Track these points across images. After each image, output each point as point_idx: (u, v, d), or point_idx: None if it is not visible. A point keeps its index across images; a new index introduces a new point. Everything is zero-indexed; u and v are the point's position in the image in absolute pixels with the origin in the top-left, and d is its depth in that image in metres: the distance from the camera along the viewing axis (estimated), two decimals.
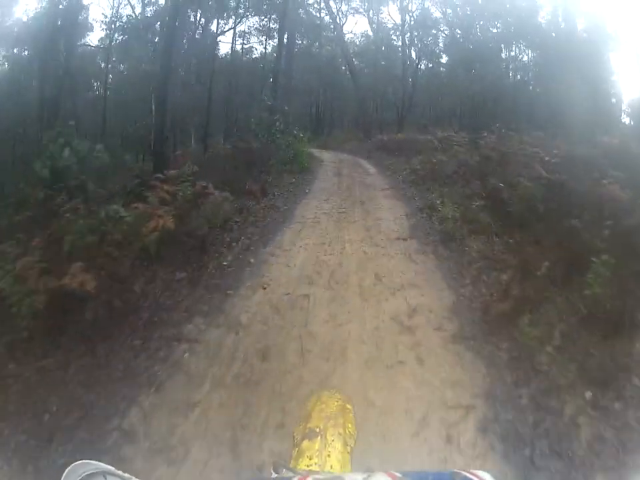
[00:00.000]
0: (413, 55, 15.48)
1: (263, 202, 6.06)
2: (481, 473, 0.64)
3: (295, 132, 10.02)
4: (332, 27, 15.66)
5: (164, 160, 7.89)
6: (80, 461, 0.59)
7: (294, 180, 7.87)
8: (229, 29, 13.54)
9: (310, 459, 0.83)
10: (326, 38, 16.11)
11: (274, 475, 0.74)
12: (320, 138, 14.79)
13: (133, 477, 0.60)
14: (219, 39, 13.43)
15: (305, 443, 0.87)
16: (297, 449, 0.88)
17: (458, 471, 0.64)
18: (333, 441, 0.88)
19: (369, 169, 9.66)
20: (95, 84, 12.68)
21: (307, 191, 7.16)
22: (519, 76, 13.37)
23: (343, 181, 8.06)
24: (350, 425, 0.97)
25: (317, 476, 0.69)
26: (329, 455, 0.85)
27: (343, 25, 15.77)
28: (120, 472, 0.60)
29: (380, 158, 10.60)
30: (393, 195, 6.70)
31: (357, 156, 11.66)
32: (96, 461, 0.60)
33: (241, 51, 14.52)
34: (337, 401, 1.07)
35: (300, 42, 15.24)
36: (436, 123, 12.89)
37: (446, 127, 11.61)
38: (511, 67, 13.33)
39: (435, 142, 9.17)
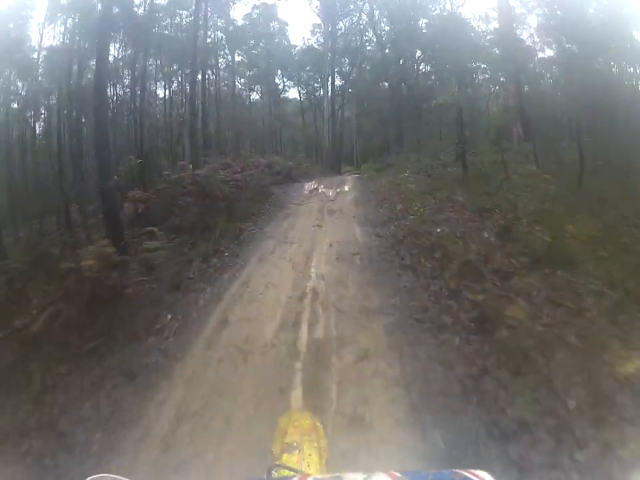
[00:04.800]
0: None
1: None
2: (481, 473, 0.63)
3: None
4: None
5: None
6: (98, 475, 0.66)
7: None
8: None
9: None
10: None
11: (274, 476, 0.85)
12: None
13: None
14: None
15: (285, 456, 0.99)
16: (276, 462, 0.97)
17: (458, 470, 0.64)
18: (310, 454, 1.00)
19: None
20: None
21: None
22: None
23: None
24: (322, 441, 1.10)
25: (316, 476, 0.78)
26: (308, 466, 0.97)
27: None
28: None
29: None
30: None
31: None
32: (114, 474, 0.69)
33: None
34: (308, 419, 1.23)
35: None
36: None
37: None
38: None
39: None
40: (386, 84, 16.72)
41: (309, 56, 17.17)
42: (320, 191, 9.45)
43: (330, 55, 16.38)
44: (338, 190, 9.31)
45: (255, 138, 15.89)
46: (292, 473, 0.81)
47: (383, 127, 16.47)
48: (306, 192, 9.53)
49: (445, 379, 2.49)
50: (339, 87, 17.35)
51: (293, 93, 18.87)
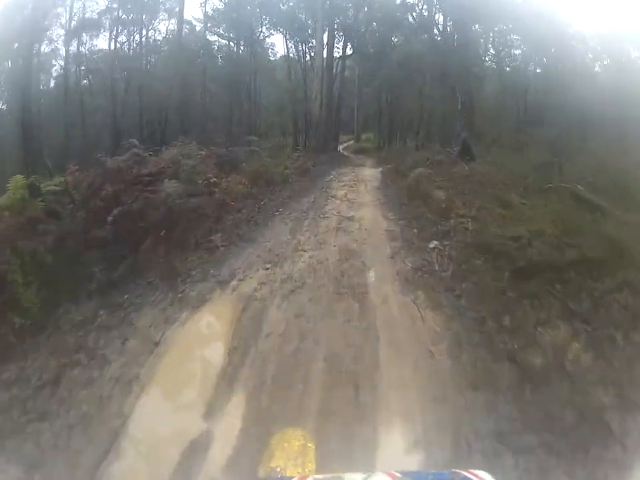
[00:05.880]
0: None
1: None
2: (480, 473, 0.64)
3: None
4: None
5: None
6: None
7: None
8: None
9: None
10: None
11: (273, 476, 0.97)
12: None
13: None
14: None
15: None
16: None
17: (457, 470, 0.65)
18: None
19: None
20: None
21: None
22: None
23: None
24: (309, 464, 1.13)
25: (316, 476, 0.85)
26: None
27: None
28: None
29: None
30: None
31: None
32: None
33: None
34: (299, 440, 1.23)
35: None
36: None
37: None
38: None
39: None
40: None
41: None
42: None
43: None
44: None
45: (223, 111, 12.24)
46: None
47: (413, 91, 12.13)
48: None
49: None
50: (338, 26, 13.09)
51: (278, 48, 14.36)
